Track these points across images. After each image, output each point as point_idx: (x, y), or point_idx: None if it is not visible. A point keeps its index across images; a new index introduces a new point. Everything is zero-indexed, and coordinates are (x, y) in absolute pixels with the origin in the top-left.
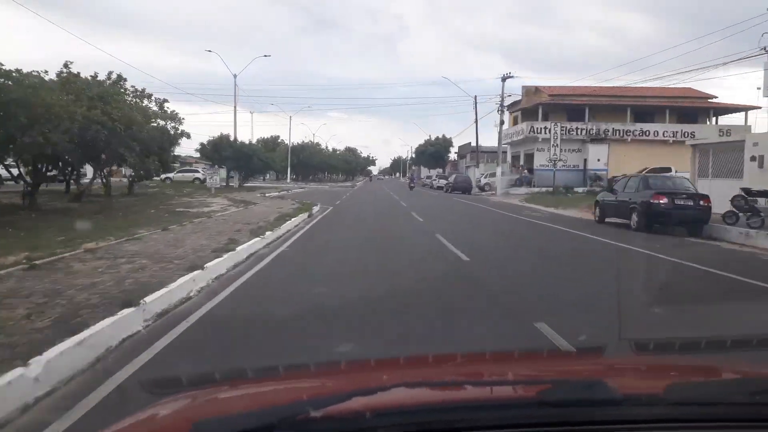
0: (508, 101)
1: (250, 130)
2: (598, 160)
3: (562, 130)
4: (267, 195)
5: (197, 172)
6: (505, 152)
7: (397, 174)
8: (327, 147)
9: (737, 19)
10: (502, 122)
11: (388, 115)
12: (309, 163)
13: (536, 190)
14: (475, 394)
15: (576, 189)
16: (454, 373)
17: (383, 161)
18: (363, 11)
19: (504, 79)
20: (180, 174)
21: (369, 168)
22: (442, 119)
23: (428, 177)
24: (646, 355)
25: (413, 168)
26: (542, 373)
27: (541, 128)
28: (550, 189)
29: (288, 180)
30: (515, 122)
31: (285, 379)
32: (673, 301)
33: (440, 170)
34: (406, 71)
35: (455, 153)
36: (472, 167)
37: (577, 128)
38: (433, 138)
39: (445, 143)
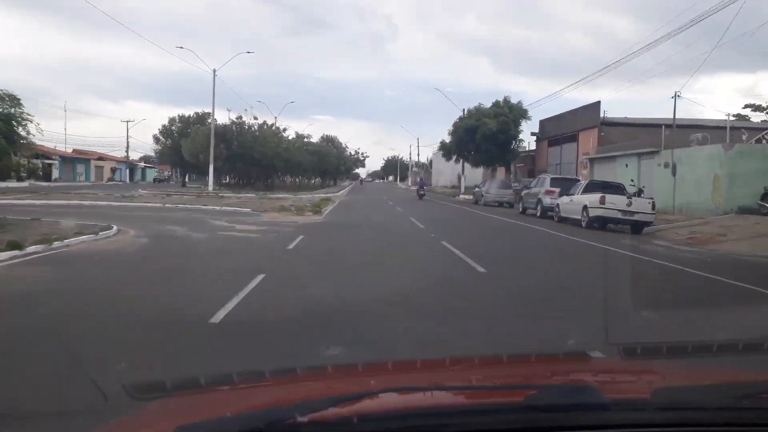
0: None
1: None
2: None
3: None
4: None
5: None
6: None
7: (391, 177)
8: (286, 132)
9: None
10: None
11: (377, 118)
12: (253, 156)
13: None
14: (462, 399)
15: None
16: (442, 378)
17: (372, 164)
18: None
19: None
20: None
21: (356, 171)
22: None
23: (479, 186)
24: (633, 360)
25: (416, 170)
26: (530, 378)
27: None
28: None
29: (184, 184)
30: None
31: (271, 383)
32: None
33: (489, 171)
34: (394, 73)
35: (533, 135)
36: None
37: None
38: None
39: (513, 112)
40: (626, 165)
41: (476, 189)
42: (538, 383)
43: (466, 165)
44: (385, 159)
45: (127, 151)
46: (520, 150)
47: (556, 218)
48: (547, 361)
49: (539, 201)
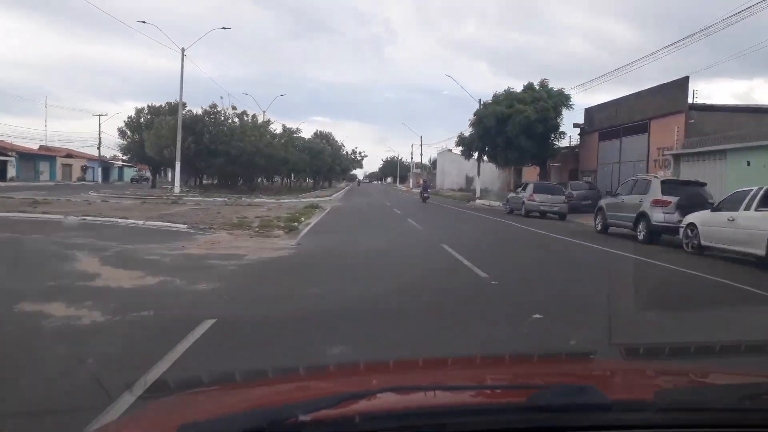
0: None
1: None
2: None
3: None
4: None
5: None
6: None
7: (389, 179)
8: (273, 126)
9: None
10: None
11: (376, 120)
12: (229, 152)
13: None
14: (464, 399)
15: None
16: (445, 377)
17: (369, 165)
18: (352, 15)
19: None
20: None
21: (353, 172)
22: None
23: (517, 188)
24: (636, 360)
25: (417, 171)
26: (532, 378)
27: None
28: None
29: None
30: None
31: (274, 382)
32: None
33: (508, 171)
34: (393, 75)
35: (577, 128)
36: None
37: None
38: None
39: (552, 99)
40: (747, 163)
41: (512, 194)
42: (540, 383)
43: (482, 165)
44: (384, 160)
45: (99, 148)
46: (559, 146)
47: (690, 247)
48: (550, 361)
49: (643, 217)
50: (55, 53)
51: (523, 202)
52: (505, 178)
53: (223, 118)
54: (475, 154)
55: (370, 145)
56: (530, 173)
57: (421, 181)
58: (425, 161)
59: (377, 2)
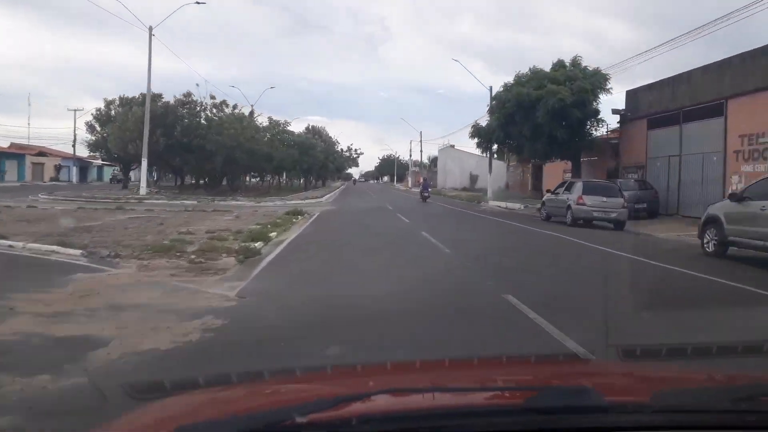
0: None
1: None
2: None
3: None
4: None
5: None
6: None
7: (386, 178)
8: (257, 117)
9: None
10: None
11: (371, 119)
12: (205, 147)
13: None
14: (461, 401)
15: None
16: (442, 379)
17: (365, 165)
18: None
19: None
20: None
21: (349, 171)
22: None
23: (556, 189)
24: (632, 362)
25: (415, 169)
26: (529, 380)
27: None
28: None
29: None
30: None
31: (270, 384)
32: None
33: (523, 168)
34: (388, 75)
35: (616, 114)
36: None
37: None
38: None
39: (587, 80)
40: None
41: (549, 196)
42: (537, 385)
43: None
44: (380, 158)
45: (74, 146)
46: (597, 136)
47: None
48: (547, 363)
49: None
50: (44, 52)
51: (569, 207)
52: (517, 176)
53: (198, 108)
54: (494, 147)
55: (366, 144)
56: (552, 170)
57: (421, 180)
58: (424, 159)
59: (370, 1)
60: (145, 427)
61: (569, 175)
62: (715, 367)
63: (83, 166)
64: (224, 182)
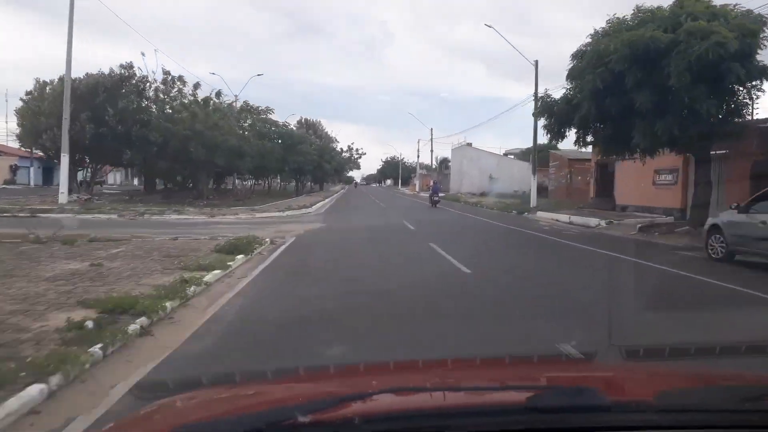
0: None
1: None
2: None
3: None
4: None
5: None
6: None
7: (389, 181)
8: (230, 101)
9: None
10: None
11: (372, 122)
12: (148, 139)
13: None
14: (464, 400)
15: None
16: (444, 379)
17: (367, 167)
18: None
19: None
20: None
21: (349, 174)
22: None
23: (751, 205)
24: (636, 362)
25: (422, 171)
26: (532, 379)
27: None
28: None
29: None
30: None
31: (273, 383)
32: None
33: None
34: (389, 78)
35: None
36: None
37: None
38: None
39: (739, 29)
40: None
41: (733, 216)
42: (540, 384)
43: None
44: (384, 160)
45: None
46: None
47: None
48: (550, 363)
49: None
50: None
51: None
52: (562, 179)
53: (143, 87)
54: (570, 132)
55: (368, 147)
56: (629, 170)
57: (431, 183)
58: (433, 161)
59: (372, 4)
60: (147, 426)
61: (667, 176)
62: (718, 366)
63: (47, 166)
64: (188, 185)
